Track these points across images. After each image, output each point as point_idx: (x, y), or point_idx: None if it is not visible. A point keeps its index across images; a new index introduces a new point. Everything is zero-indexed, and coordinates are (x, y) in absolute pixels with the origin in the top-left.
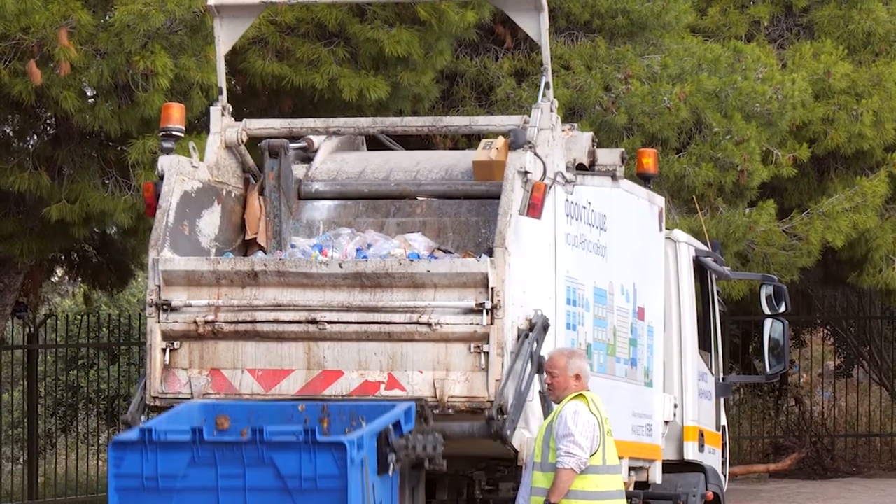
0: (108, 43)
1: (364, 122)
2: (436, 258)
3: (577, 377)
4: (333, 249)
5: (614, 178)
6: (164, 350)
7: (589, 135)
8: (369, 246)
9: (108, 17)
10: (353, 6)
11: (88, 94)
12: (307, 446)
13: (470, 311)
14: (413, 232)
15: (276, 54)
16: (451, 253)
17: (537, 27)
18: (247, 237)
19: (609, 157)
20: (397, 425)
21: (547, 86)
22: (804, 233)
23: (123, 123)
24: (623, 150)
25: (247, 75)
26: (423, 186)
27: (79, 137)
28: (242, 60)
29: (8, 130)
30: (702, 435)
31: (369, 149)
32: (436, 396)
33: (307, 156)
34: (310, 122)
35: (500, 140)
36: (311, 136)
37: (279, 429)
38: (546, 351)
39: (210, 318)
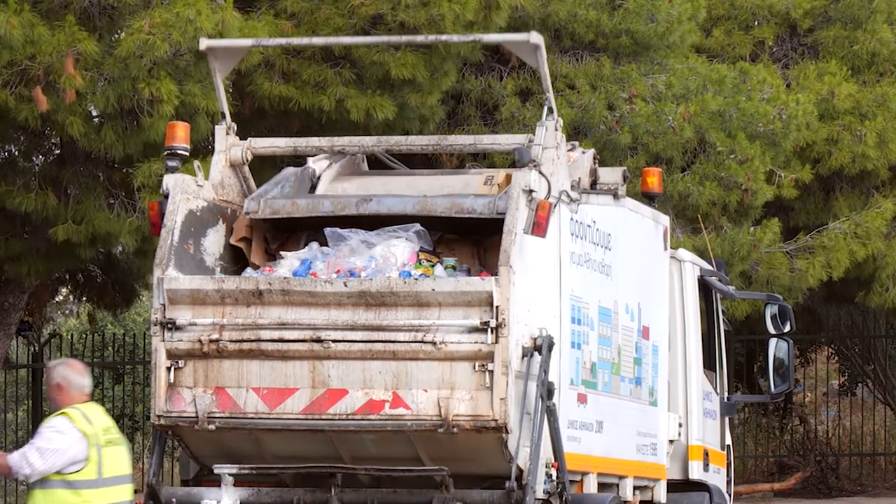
0: (113, 69)
1: (369, 142)
2: (426, 276)
3: (59, 387)
4: (323, 258)
5: (616, 196)
6: (168, 369)
7: (590, 153)
8: (351, 249)
9: (114, 40)
10: (360, 30)
11: (94, 115)
12: None
13: (475, 329)
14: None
15: (282, 76)
16: (436, 253)
17: (536, 60)
18: (232, 241)
19: (611, 175)
20: None
21: (550, 110)
22: (805, 267)
23: (128, 147)
24: (625, 168)
25: (254, 97)
26: None
27: (84, 159)
28: (250, 83)
29: (14, 150)
30: (706, 454)
31: (370, 167)
32: (440, 415)
33: (313, 184)
34: (314, 142)
35: (501, 175)
36: (313, 165)
37: None
38: (553, 375)
39: (215, 336)
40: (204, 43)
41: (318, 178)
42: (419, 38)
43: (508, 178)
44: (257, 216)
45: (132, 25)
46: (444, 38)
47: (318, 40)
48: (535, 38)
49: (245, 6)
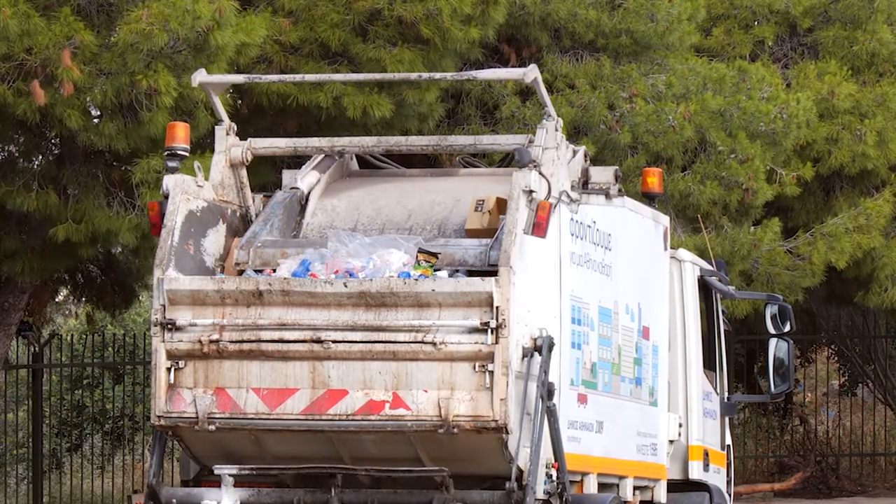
0: (111, 63)
1: (369, 142)
2: (425, 277)
3: None
4: (322, 259)
5: (608, 196)
6: (168, 369)
7: (581, 151)
8: (349, 252)
9: (111, 37)
10: (357, 26)
11: (92, 113)
12: None
13: (475, 330)
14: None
15: (280, 73)
16: (435, 255)
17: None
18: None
19: (602, 175)
20: None
21: (549, 117)
22: (807, 253)
23: (130, 141)
24: (617, 167)
25: (252, 94)
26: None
27: (83, 157)
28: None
29: (13, 150)
30: (706, 454)
31: (360, 163)
32: (440, 415)
33: (302, 206)
34: (314, 142)
35: (492, 200)
36: (300, 184)
37: None
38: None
39: (215, 337)
40: (195, 79)
41: (307, 198)
42: (413, 76)
43: (499, 204)
44: (248, 267)
45: (129, 17)
46: (437, 75)
47: (310, 77)
48: (531, 74)
49: (243, 3)
